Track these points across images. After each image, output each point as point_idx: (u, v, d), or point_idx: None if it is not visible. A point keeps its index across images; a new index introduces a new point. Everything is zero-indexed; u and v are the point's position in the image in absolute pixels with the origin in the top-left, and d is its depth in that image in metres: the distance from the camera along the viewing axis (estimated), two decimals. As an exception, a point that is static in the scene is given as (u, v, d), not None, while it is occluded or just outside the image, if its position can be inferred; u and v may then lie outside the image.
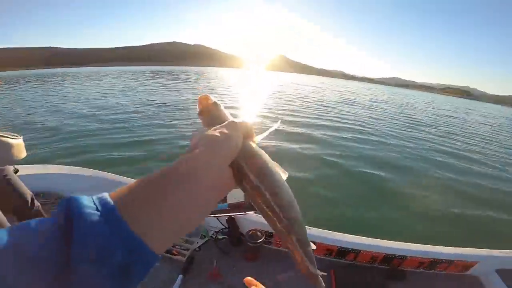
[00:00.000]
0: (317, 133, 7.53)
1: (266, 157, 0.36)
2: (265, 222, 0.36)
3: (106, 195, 0.25)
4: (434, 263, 1.51)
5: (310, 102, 16.04)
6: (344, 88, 46.11)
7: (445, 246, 1.57)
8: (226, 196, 1.16)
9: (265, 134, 0.41)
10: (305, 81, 62.11)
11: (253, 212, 1.38)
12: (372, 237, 1.57)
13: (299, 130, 7.67)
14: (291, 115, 10.23)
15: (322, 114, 11.45)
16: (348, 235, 1.55)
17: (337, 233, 1.56)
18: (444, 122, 15.17)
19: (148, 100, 11.77)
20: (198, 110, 0.42)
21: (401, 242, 1.54)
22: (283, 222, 0.34)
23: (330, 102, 17.18)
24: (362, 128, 9.17)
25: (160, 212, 0.25)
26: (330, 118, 10.62)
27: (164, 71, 45.72)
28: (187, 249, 1.55)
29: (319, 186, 4.26)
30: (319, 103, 16.05)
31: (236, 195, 1.21)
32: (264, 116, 9.40)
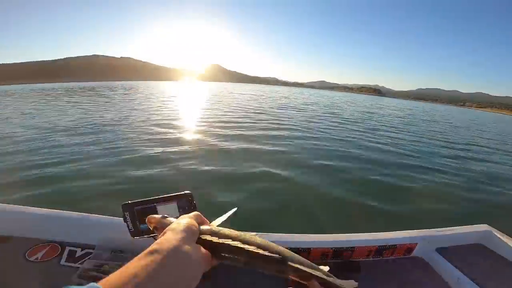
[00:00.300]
0: (238, 134, 7.20)
1: (226, 229, 0.41)
2: None
3: (95, 285, 0.25)
4: (380, 249, 1.54)
5: (245, 110, 15.94)
6: (277, 93, 48.47)
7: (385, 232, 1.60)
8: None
9: (223, 218, 0.46)
10: (240, 89, 63.11)
11: None
12: (318, 234, 1.56)
13: (226, 137, 7.23)
14: (222, 126, 9.78)
15: (251, 121, 11.34)
16: (296, 234, 1.52)
17: (285, 234, 1.52)
18: (364, 118, 16.96)
19: (48, 123, 9.57)
20: (151, 228, 0.47)
21: (346, 234, 1.54)
22: (274, 257, 0.34)
23: (264, 108, 17.48)
24: (292, 129, 9.30)
25: None
26: (257, 123, 10.58)
27: (81, 87, 39.83)
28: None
29: (252, 191, 4.11)
30: (252, 110, 16.09)
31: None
32: (198, 132, 8.64)
